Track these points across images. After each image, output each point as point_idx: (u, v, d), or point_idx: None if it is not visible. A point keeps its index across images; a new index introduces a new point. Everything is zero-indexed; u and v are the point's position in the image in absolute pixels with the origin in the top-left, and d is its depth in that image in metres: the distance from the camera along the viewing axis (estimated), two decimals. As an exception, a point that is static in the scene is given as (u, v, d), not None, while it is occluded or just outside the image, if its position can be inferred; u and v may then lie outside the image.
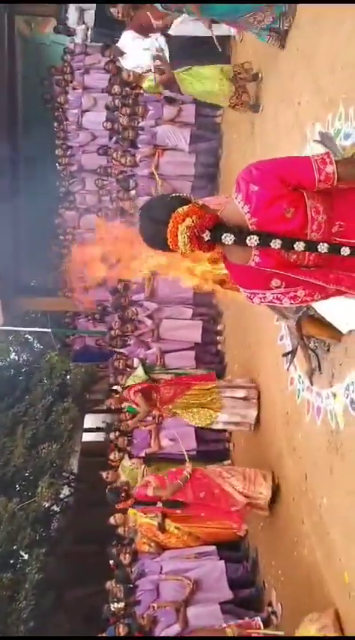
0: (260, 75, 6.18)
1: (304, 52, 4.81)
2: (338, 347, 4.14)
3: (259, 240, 1.96)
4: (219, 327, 8.17)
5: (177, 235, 1.98)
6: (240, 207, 2.01)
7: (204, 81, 6.19)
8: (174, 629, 5.27)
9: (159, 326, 7.91)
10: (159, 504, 5.76)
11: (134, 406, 6.69)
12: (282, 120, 5.40)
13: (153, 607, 5.49)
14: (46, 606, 9.13)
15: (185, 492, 5.89)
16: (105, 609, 5.90)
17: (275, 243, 1.96)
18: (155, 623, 5.37)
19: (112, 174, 9.32)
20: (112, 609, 5.92)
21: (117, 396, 7.48)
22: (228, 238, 1.98)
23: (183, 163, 8.09)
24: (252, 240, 1.97)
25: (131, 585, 5.87)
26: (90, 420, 14.93)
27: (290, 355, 4.73)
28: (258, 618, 5.07)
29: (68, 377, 13.60)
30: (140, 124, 8.18)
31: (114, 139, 9.33)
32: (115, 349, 8.27)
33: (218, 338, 8.15)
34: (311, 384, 4.47)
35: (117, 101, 8.66)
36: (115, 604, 5.94)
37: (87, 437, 14.36)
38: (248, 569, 6.05)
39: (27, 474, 10.92)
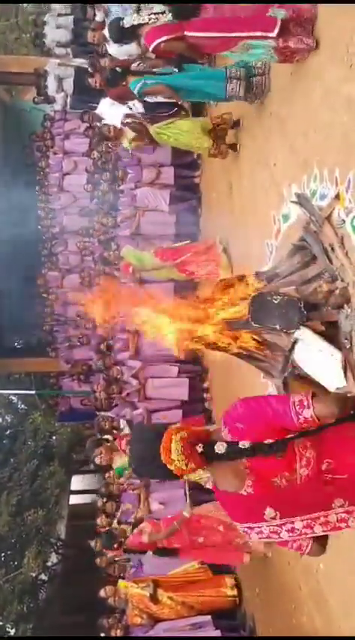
0: (241, 121, 6.26)
1: (278, 115, 4.96)
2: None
3: (251, 449, 2.00)
4: (205, 385, 8.10)
5: (170, 450, 1.99)
6: (227, 436, 2.08)
7: (183, 134, 6.33)
8: None
9: (145, 385, 7.83)
10: (150, 554, 5.56)
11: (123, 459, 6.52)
12: (259, 180, 5.52)
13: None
14: None
15: (181, 537, 5.64)
16: None
17: (267, 445, 2.01)
18: None
19: (94, 236, 9.43)
20: None
21: (108, 444, 7.30)
22: (221, 447, 2.02)
23: (164, 223, 8.20)
24: (245, 444, 2.01)
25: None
26: (77, 481, 14.59)
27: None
28: None
29: (53, 438, 13.35)
30: (120, 187, 8.33)
31: (95, 201, 9.48)
32: (101, 411, 8.14)
33: (205, 395, 8.08)
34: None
35: (98, 164, 8.84)
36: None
37: (74, 499, 13.98)
38: (246, 639, 5.78)
39: (12, 542, 10.53)
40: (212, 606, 6.01)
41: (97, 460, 7.07)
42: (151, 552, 5.69)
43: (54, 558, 11.86)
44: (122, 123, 6.52)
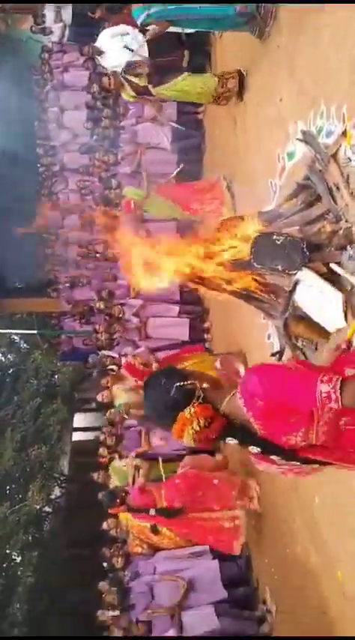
0: (244, 72, 6.12)
1: (286, 49, 4.77)
2: (325, 346, 4.13)
3: (261, 450, 1.99)
4: (206, 325, 8.14)
5: (183, 432, 1.99)
6: (244, 410, 1.99)
7: (186, 93, 6.22)
8: (170, 634, 5.24)
9: (146, 324, 7.88)
10: (152, 512, 5.73)
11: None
12: (264, 117, 5.36)
13: (148, 613, 5.47)
14: (40, 610, 9.10)
15: (180, 494, 5.87)
16: (99, 614, 5.86)
17: (275, 457, 2.00)
18: (150, 629, 5.36)
19: (95, 174, 9.24)
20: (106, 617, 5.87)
21: (114, 373, 7.42)
22: (231, 442, 2.02)
23: (166, 161, 8.03)
24: (254, 449, 2.00)
25: (125, 588, 5.84)
26: (79, 419, 14.89)
27: (278, 355, 4.72)
28: None
29: (56, 377, 13.53)
30: (121, 124, 8.10)
31: (95, 137, 9.24)
32: (103, 350, 8.21)
33: (205, 335, 8.13)
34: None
35: (98, 98, 8.57)
36: (109, 612, 5.91)
37: (77, 436, 14.31)
38: (241, 568, 6.04)
39: (17, 476, 10.85)
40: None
41: (99, 398, 7.19)
42: (152, 512, 5.84)
43: (57, 492, 12.24)
44: (123, 75, 6.27)
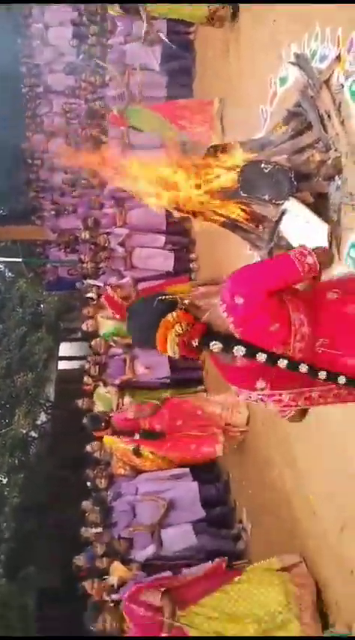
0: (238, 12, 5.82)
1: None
2: (309, 277, 4.16)
3: (245, 351, 1.99)
4: (192, 256, 8.11)
5: (166, 341, 2.01)
6: (224, 316, 2.03)
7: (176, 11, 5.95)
8: (150, 550, 5.51)
9: (132, 254, 7.83)
10: (137, 436, 5.90)
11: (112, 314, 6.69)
12: (258, 40, 5.16)
13: (130, 530, 5.72)
14: (27, 529, 9.48)
15: (161, 419, 6.04)
16: (82, 531, 6.11)
17: (261, 357, 1.99)
18: (131, 545, 5.62)
19: (81, 96, 8.91)
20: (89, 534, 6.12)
21: (94, 303, 7.45)
22: (215, 346, 2.01)
23: (154, 84, 7.74)
24: (239, 351, 1.99)
25: (107, 507, 6.07)
26: (65, 348, 15.01)
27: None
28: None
29: (41, 306, 13.52)
30: (109, 41, 7.74)
31: (81, 56, 8.85)
32: (89, 279, 8.18)
33: (192, 265, 8.09)
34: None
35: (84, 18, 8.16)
36: (92, 529, 6.17)
37: (62, 365, 14.48)
38: (220, 490, 6.30)
39: (3, 402, 11.04)
40: (192, 461, 6.45)
41: (84, 327, 7.22)
42: (138, 435, 6.00)
43: (43, 418, 12.50)
44: None
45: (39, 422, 12.07)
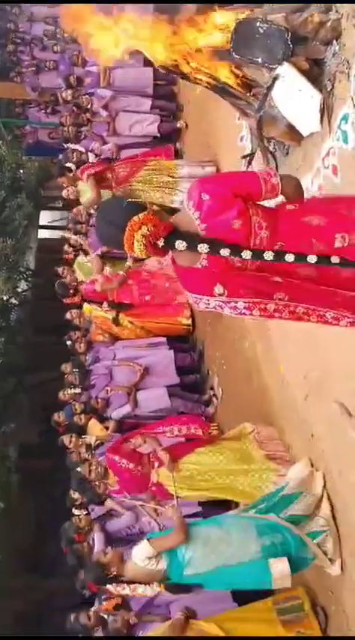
0: None
1: None
2: (296, 151, 4.07)
3: (209, 248, 2.06)
4: (178, 125, 7.78)
5: (133, 242, 2.09)
6: (191, 213, 2.11)
7: None
8: (126, 409, 5.83)
9: (116, 119, 7.49)
10: (105, 305, 6.01)
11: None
12: None
13: (107, 390, 6.00)
14: (8, 389, 9.88)
15: (131, 293, 6.13)
16: (61, 394, 6.38)
17: (224, 252, 2.06)
18: (108, 404, 5.93)
19: None
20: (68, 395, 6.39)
21: (71, 174, 7.26)
22: (180, 245, 2.08)
23: None
24: (203, 248, 2.06)
25: (86, 371, 6.32)
26: (45, 217, 14.75)
27: (249, 157, 4.65)
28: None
29: (21, 171, 13.05)
30: None
31: None
32: (69, 144, 7.86)
33: (178, 124, 7.73)
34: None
35: None
36: (71, 390, 6.45)
37: (43, 234, 14.30)
38: (194, 359, 6.56)
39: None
40: (167, 332, 6.66)
41: (64, 193, 7.06)
42: (106, 304, 6.08)
43: (24, 286, 12.54)
44: None
45: (19, 290, 12.13)
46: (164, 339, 6.42)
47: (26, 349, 10.98)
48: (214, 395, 6.01)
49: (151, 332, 6.64)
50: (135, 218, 2.07)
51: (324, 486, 3.74)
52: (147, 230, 2.06)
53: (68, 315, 7.12)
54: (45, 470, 9.27)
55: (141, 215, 2.08)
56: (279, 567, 3.39)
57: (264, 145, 4.18)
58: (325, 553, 3.53)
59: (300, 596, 3.72)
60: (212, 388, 6.10)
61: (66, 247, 7.58)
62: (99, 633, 4.24)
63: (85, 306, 6.90)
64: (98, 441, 5.66)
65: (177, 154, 7.74)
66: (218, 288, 2.15)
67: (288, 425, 4.40)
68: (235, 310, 2.21)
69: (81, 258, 7.29)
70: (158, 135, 7.59)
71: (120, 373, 6.07)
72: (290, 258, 2.08)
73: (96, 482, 4.79)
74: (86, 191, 6.71)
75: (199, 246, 2.07)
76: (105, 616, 4.07)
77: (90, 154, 7.11)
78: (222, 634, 3.51)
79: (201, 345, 6.62)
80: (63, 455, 5.98)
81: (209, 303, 2.21)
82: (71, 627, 4.38)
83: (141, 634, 3.87)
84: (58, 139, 9.64)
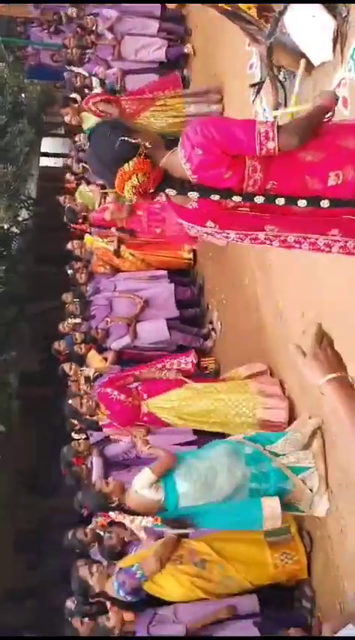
0: None
1: None
2: (307, 81, 3.95)
3: (199, 194, 2.07)
4: (185, 50, 7.48)
5: (123, 188, 2.11)
6: (182, 162, 2.08)
7: None
8: (125, 341, 5.92)
9: (121, 42, 7.20)
10: (113, 230, 5.96)
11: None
12: None
13: (107, 321, 6.06)
14: (9, 318, 9.96)
15: (140, 224, 6.08)
16: (61, 325, 6.44)
17: (214, 197, 2.07)
18: (108, 335, 6.00)
19: None
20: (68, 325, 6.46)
21: (76, 105, 7.08)
22: (171, 192, 2.10)
23: None
24: (193, 195, 2.08)
25: (86, 301, 6.37)
26: (47, 144, 14.43)
27: (257, 86, 4.51)
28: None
29: (22, 95, 12.66)
30: None
31: None
32: (72, 67, 7.60)
33: (186, 49, 7.43)
34: (275, 119, 4.35)
35: None
36: (71, 319, 6.52)
37: (45, 162, 14.02)
38: (194, 293, 6.59)
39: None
40: (169, 265, 6.66)
41: (67, 119, 6.88)
42: (113, 230, 5.99)
43: (25, 214, 12.41)
44: None
45: (20, 218, 12.00)
46: (165, 273, 6.43)
47: (27, 278, 11.00)
48: (213, 329, 6.08)
49: (152, 265, 6.64)
50: (126, 167, 2.06)
51: (319, 428, 3.85)
52: (137, 180, 2.07)
53: (69, 246, 7.10)
54: (45, 397, 9.49)
55: (131, 163, 2.05)
56: (271, 506, 3.54)
57: (274, 73, 4.06)
58: (310, 490, 3.69)
59: (287, 520, 3.90)
60: (211, 322, 6.16)
61: (68, 176, 7.46)
62: (95, 549, 4.48)
63: (87, 237, 6.87)
64: (96, 373, 5.76)
65: (184, 81, 7.51)
66: (210, 224, 2.19)
67: (284, 360, 4.48)
68: (227, 239, 2.27)
69: (83, 187, 7.20)
70: (165, 61, 7.32)
71: (121, 305, 6.11)
72: (280, 201, 2.10)
73: (88, 416, 4.96)
74: (89, 118, 6.55)
75: (189, 193, 2.09)
76: (101, 533, 4.27)
77: (93, 78, 6.87)
78: (211, 552, 3.70)
79: (201, 279, 6.64)
80: (63, 383, 6.11)
81: (201, 232, 2.27)
82: (69, 543, 4.61)
83: (134, 550, 4.08)
84: (61, 61, 9.29)
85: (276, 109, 4.24)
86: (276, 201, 2.09)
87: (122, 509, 3.59)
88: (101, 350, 5.92)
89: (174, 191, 2.10)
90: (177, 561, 3.67)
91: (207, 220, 2.18)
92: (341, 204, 2.08)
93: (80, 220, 6.19)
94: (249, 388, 4.42)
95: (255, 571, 3.75)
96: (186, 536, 3.83)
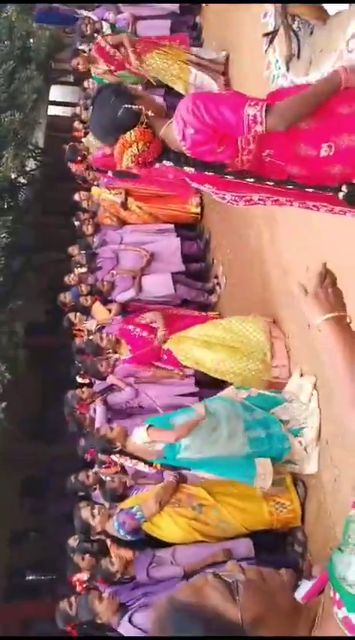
0: None
1: None
2: (321, 31, 3.86)
3: (195, 169, 2.12)
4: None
5: (122, 157, 2.14)
6: (178, 138, 2.11)
7: None
8: (130, 294, 5.96)
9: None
10: (110, 173, 5.84)
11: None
12: None
13: (113, 273, 6.09)
14: (16, 267, 10.00)
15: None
16: (67, 278, 6.47)
17: (209, 173, 2.12)
18: (113, 287, 6.04)
19: None
20: (73, 276, 6.49)
21: (85, 54, 6.94)
22: (167, 163, 2.16)
23: None
24: (189, 169, 2.13)
25: (92, 253, 6.39)
26: (56, 93, 14.17)
27: (270, 35, 4.41)
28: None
29: (31, 40, 12.36)
30: None
31: None
32: (83, 11, 7.38)
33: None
34: (288, 70, 4.28)
35: None
36: (78, 269, 6.55)
37: (53, 110, 13.79)
38: (200, 247, 6.60)
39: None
40: (176, 219, 6.65)
41: (74, 63, 6.73)
42: (111, 173, 5.90)
43: (32, 164, 12.29)
44: None
45: (27, 168, 11.89)
46: (172, 226, 6.43)
47: (34, 229, 10.99)
48: (218, 283, 6.11)
49: (159, 218, 6.63)
50: (128, 136, 2.09)
51: (315, 387, 3.93)
52: (137, 150, 2.10)
53: (76, 197, 7.08)
54: (51, 347, 9.62)
55: (133, 132, 2.09)
56: (263, 467, 3.70)
57: (288, 22, 3.96)
58: (305, 449, 3.83)
59: (283, 472, 4.03)
60: (216, 277, 6.19)
61: (76, 124, 7.36)
62: (97, 492, 4.65)
63: (94, 188, 6.84)
64: (99, 325, 5.81)
65: (196, 28, 7.33)
66: (207, 186, 2.26)
67: (287, 315, 4.52)
68: (223, 200, 2.33)
69: (91, 136, 7.10)
70: (177, 12, 7.12)
71: (127, 257, 6.13)
72: (270, 184, 2.14)
73: (104, 356, 5.01)
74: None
75: (185, 168, 2.15)
76: (104, 477, 4.43)
77: (104, 23, 6.70)
78: (208, 497, 3.85)
79: (207, 233, 6.64)
80: (68, 334, 6.19)
81: (199, 187, 2.35)
82: (71, 486, 4.79)
83: (135, 493, 4.23)
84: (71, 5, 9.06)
85: (289, 60, 4.17)
86: (267, 182, 2.14)
87: (124, 453, 3.74)
88: (105, 302, 5.98)
89: (171, 163, 2.16)
90: (176, 504, 3.81)
91: (204, 184, 2.26)
92: (322, 189, 2.13)
93: (79, 158, 6.05)
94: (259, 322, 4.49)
95: (249, 517, 3.90)
96: (185, 481, 3.97)
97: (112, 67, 6.44)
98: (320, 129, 2.09)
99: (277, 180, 2.14)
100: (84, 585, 4.01)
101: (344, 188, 2.12)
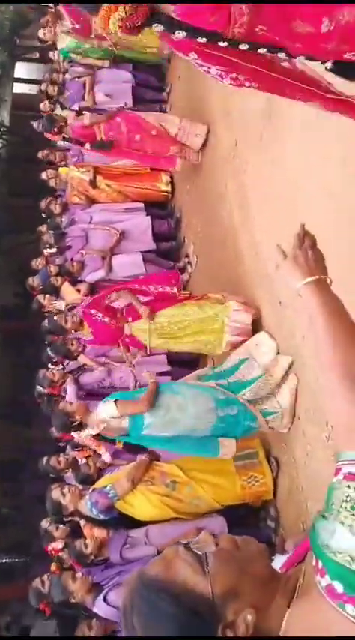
0: None
1: None
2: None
3: (186, 35, 2.00)
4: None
5: (108, 20, 2.01)
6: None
7: None
8: (100, 274, 5.87)
9: None
10: (88, 146, 5.66)
11: None
12: None
13: (82, 253, 6.00)
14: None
15: (118, 129, 5.73)
16: (33, 264, 6.34)
17: (201, 39, 2.01)
18: (83, 267, 5.95)
19: None
20: (45, 255, 6.37)
21: (53, 11, 6.73)
22: (157, 28, 2.02)
23: None
24: (180, 35, 2.01)
25: (61, 233, 6.28)
26: (22, 70, 13.83)
27: None
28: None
29: (-6, 15, 12.02)
30: None
31: None
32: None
33: None
34: None
35: None
36: (47, 249, 6.44)
37: (18, 88, 13.47)
38: (171, 226, 6.53)
39: None
40: (146, 197, 6.56)
41: (41, 34, 6.53)
42: (88, 146, 5.75)
43: (-1, 143, 12.03)
44: None
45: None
46: (142, 205, 6.35)
47: (2, 210, 10.77)
48: (189, 262, 6.06)
49: (129, 197, 6.53)
50: (113, 18, 1.98)
51: (290, 367, 3.93)
52: (125, 12, 1.98)
53: (44, 175, 6.93)
54: (21, 330, 9.49)
55: (117, 15, 1.97)
56: (227, 447, 3.69)
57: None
58: (271, 428, 3.83)
59: (255, 446, 4.04)
60: (187, 256, 6.14)
61: (42, 105, 7.12)
62: (69, 474, 4.61)
63: (62, 168, 6.70)
64: (69, 305, 5.71)
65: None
66: (193, 55, 2.17)
67: (259, 293, 4.51)
68: (208, 74, 2.25)
69: (59, 111, 6.94)
70: None
71: (96, 237, 6.04)
72: (262, 51, 2.08)
73: (71, 335, 4.92)
74: (64, 38, 6.26)
75: (176, 32, 2.02)
76: (79, 460, 4.39)
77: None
78: (181, 474, 3.84)
79: (178, 212, 6.57)
80: (38, 316, 6.09)
81: (183, 56, 2.24)
82: (44, 469, 4.74)
83: (108, 473, 4.21)
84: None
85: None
86: (259, 50, 2.07)
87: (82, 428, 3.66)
88: (74, 282, 5.89)
89: (161, 27, 2.03)
90: (149, 482, 3.80)
91: (191, 52, 2.16)
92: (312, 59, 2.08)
93: (55, 130, 5.88)
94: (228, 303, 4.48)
95: (222, 492, 3.91)
96: (158, 459, 3.96)
97: (77, 26, 6.24)
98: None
99: (270, 47, 2.07)
100: (59, 553, 4.01)
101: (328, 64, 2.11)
